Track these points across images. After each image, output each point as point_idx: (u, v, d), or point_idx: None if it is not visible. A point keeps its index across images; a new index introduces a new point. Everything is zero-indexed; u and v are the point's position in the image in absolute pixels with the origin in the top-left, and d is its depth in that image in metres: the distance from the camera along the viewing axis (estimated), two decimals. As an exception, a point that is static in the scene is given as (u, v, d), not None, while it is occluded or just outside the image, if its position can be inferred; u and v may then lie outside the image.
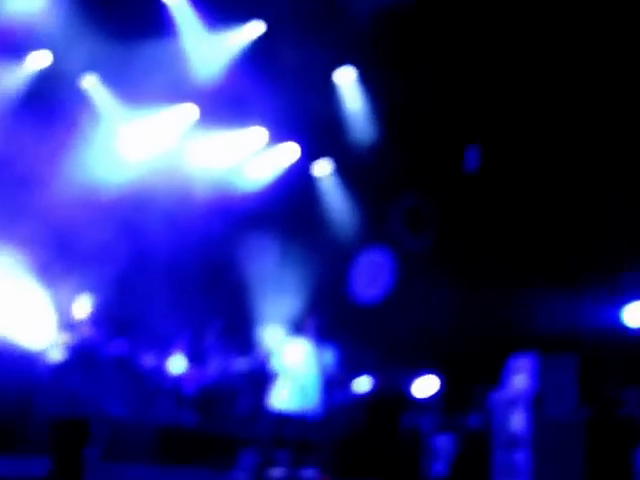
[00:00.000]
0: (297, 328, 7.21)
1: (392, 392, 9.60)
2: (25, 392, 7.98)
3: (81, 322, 8.62)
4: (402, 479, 8.31)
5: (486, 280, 9.67)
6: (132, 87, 9.31)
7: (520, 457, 8.30)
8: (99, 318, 8.72)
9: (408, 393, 9.59)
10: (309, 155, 10.69)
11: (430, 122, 9.75)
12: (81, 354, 8.48)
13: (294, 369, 6.91)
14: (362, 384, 9.69)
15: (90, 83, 9.74)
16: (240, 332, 9.88)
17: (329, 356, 7.02)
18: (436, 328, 9.63)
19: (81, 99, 9.59)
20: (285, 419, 6.93)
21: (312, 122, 9.81)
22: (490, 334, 9.22)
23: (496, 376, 8.82)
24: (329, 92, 10.26)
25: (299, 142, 10.47)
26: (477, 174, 9.81)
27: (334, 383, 7.38)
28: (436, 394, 9.60)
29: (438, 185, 10.19)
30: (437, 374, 9.66)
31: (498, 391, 8.79)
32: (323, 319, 7.22)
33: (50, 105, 9.03)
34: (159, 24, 9.39)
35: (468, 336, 9.43)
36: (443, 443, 8.86)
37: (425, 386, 9.63)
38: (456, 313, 9.67)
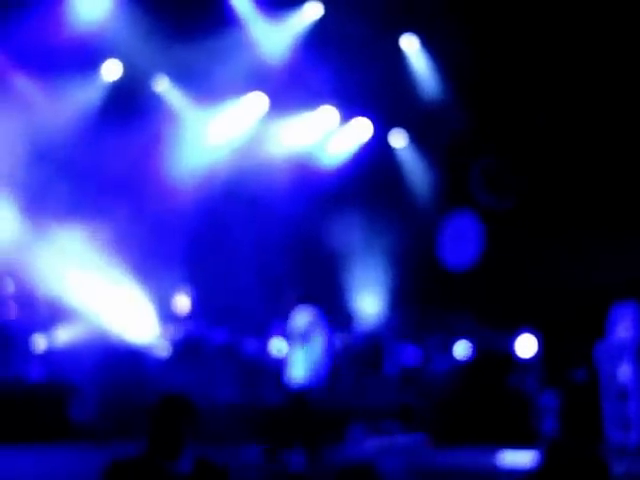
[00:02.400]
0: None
1: (493, 354, 9.55)
2: (136, 387, 8.33)
3: (183, 315, 8.94)
4: (512, 440, 8.26)
5: (577, 232, 9.47)
6: (203, 82, 9.50)
7: (632, 408, 8.12)
8: (198, 309, 9.01)
9: (509, 353, 9.52)
10: (384, 127, 10.66)
11: (501, 81, 9.58)
12: (186, 346, 8.79)
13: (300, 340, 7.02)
14: (462, 349, 9.68)
15: (163, 85, 9.98)
16: (334, 308, 10.00)
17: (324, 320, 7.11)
18: (531, 286, 9.51)
19: (157, 101, 9.84)
20: (302, 392, 7.01)
21: (383, 94, 9.78)
22: (588, 286, 9.04)
23: (599, 328, 8.64)
24: (395, 61, 10.20)
25: (373, 115, 10.46)
26: (558, 125, 9.59)
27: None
28: (538, 352, 9.50)
29: (516, 143, 10.01)
30: (537, 332, 9.54)
31: (603, 342, 8.61)
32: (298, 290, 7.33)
33: (128, 111, 9.30)
34: (220, 18, 9.53)
35: (565, 290, 9.27)
36: (550, 400, 8.77)
37: (526, 345, 9.54)
38: (550, 268, 9.51)
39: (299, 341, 7.04)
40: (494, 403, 9.02)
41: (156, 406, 3.08)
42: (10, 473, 6.21)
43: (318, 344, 7.06)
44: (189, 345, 8.81)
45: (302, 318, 7.11)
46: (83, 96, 9.41)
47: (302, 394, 7.03)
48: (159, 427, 3.02)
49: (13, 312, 8.44)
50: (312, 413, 7.03)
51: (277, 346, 9.15)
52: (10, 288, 8.46)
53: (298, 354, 7.04)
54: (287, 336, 7.31)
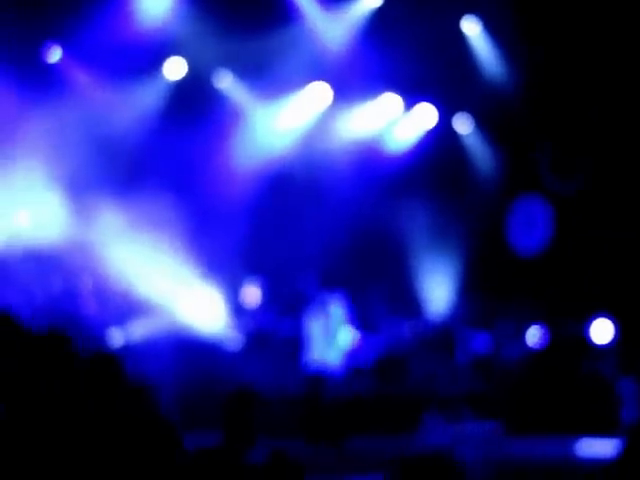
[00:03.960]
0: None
1: (567, 340, 9.35)
2: (209, 379, 8.46)
3: (252, 306, 9.02)
4: (590, 429, 8.07)
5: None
6: (267, 76, 9.53)
7: None
8: (267, 300, 9.08)
9: (585, 339, 9.30)
10: (448, 113, 10.53)
11: (567, 61, 9.34)
12: (256, 338, 8.88)
13: (318, 326, 6.97)
14: (534, 335, 9.51)
15: (226, 81, 10.04)
16: (406, 296, 9.94)
17: (344, 306, 7.01)
18: (605, 270, 9.26)
19: (221, 97, 9.93)
20: (317, 377, 6.93)
21: (446, 79, 9.65)
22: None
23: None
24: (457, 45, 10.05)
25: (437, 101, 10.34)
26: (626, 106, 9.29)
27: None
28: (615, 337, 9.25)
29: (585, 124, 9.75)
30: (613, 317, 9.29)
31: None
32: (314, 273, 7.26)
33: (191, 106, 9.41)
34: (281, 10, 9.54)
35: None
36: (628, 387, 8.52)
37: (602, 330, 9.30)
38: (625, 252, 9.24)
39: (322, 325, 7.06)
40: (570, 390, 8.82)
41: (228, 398, 3.14)
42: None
43: (340, 329, 7.06)
44: (259, 337, 8.88)
45: (327, 303, 7.12)
46: (147, 93, 9.53)
47: (318, 378, 7.02)
48: (232, 419, 3.08)
49: (92, 308, 8.65)
50: (323, 399, 7.02)
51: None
52: (89, 284, 8.67)
53: (319, 337, 7.06)
54: (310, 319, 7.30)
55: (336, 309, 7.30)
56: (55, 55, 9.05)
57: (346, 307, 7.35)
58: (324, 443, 6.96)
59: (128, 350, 8.71)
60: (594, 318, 9.35)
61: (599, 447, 7.21)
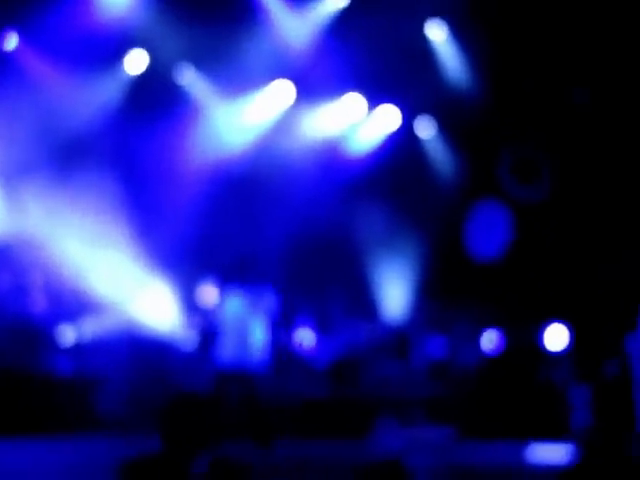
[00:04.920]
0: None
1: (522, 346, 9.42)
2: (162, 378, 8.34)
3: (208, 305, 8.90)
4: (542, 435, 8.14)
5: (610, 223, 9.29)
6: (229, 72, 9.44)
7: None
8: (222, 300, 8.96)
9: (539, 346, 9.37)
10: (411, 115, 10.54)
11: (533, 65, 9.40)
12: (210, 337, 8.76)
13: (234, 322, 6.87)
14: (489, 340, 9.56)
15: (189, 76, 9.91)
16: (363, 299, 9.93)
17: (270, 301, 6.94)
18: (561, 278, 9.35)
19: (182, 92, 9.80)
20: (231, 376, 6.83)
21: (410, 81, 9.65)
22: (619, 278, 8.84)
23: (630, 321, 8.47)
24: (422, 49, 10.06)
25: (401, 103, 10.35)
26: (589, 111, 9.39)
27: (279, 327, 7.27)
28: (568, 345, 9.34)
29: (547, 130, 9.83)
30: (567, 324, 9.39)
31: (634, 335, 8.44)
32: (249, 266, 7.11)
33: (152, 101, 9.27)
34: (245, 6, 9.45)
35: (596, 282, 9.09)
36: (580, 394, 8.61)
37: (556, 337, 9.38)
38: (581, 260, 9.34)
39: (241, 320, 6.92)
40: (523, 396, 8.89)
41: (167, 405, 3.02)
42: (28, 466, 6.22)
43: (262, 325, 6.91)
44: (213, 336, 8.76)
45: (244, 298, 6.98)
46: (105, 85, 9.37)
47: (234, 375, 6.86)
48: (171, 427, 2.96)
49: (42, 304, 8.47)
50: (259, 399, 6.87)
51: (304, 337, 9.10)
52: (38, 280, 8.49)
53: (237, 332, 6.90)
54: (232, 313, 7.14)
55: (262, 304, 7.11)
56: (11, 42, 8.85)
57: (275, 303, 7.18)
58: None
59: (79, 348, 8.55)
60: (549, 325, 9.43)
61: (551, 452, 7.27)
